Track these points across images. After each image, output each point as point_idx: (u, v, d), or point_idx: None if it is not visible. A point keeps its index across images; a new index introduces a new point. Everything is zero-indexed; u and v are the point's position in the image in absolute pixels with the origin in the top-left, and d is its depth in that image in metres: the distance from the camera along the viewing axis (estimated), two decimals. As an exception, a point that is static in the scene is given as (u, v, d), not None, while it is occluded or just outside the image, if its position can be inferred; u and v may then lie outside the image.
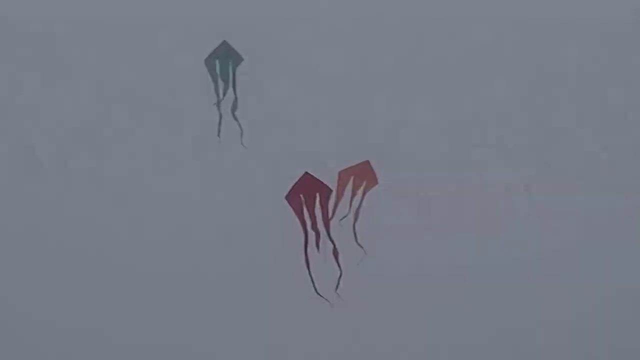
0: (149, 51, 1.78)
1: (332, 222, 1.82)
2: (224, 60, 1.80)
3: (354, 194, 1.83)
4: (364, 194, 1.83)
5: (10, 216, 1.76)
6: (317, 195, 1.82)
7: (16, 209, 1.77)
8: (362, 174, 1.83)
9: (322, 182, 1.81)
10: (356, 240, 1.80)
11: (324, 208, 1.81)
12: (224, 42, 1.80)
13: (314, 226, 1.81)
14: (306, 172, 1.81)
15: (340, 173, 1.83)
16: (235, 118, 1.80)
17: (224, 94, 1.80)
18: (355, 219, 1.82)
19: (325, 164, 1.81)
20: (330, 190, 1.81)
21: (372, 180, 1.84)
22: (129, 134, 1.79)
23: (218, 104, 1.80)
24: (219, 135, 1.80)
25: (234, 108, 1.80)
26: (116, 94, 1.77)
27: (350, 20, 1.80)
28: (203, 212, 1.80)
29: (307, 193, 1.81)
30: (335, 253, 1.81)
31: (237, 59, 1.80)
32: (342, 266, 1.81)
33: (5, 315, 1.77)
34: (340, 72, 1.81)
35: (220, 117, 1.80)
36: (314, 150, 1.82)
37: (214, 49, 1.80)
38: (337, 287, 1.81)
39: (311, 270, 1.80)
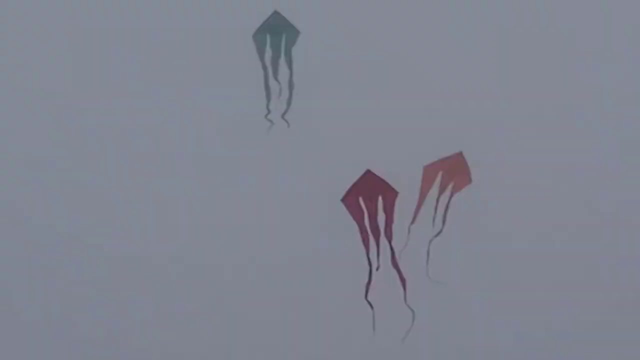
0: (181, 22, 1.52)
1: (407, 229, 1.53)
2: (275, 35, 1.53)
3: (440, 195, 1.54)
4: (451, 195, 1.54)
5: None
6: (380, 198, 1.53)
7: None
8: (453, 170, 1.54)
9: (386, 183, 1.52)
10: (427, 262, 1.52)
11: (388, 215, 1.52)
12: (276, 13, 1.52)
13: (376, 235, 1.52)
14: (368, 170, 1.52)
15: (425, 168, 1.54)
16: (284, 119, 1.53)
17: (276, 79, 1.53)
18: (439, 231, 1.53)
19: (394, 162, 1.53)
20: (396, 193, 1.52)
21: (464, 178, 1.54)
22: (164, 124, 1.54)
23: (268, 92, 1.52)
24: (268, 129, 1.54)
25: (289, 97, 1.53)
26: (147, 78, 1.53)
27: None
28: (248, 216, 1.56)
29: (368, 195, 1.52)
30: (402, 280, 1.54)
31: (293, 33, 1.53)
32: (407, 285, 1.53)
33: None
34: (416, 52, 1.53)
35: (268, 111, 1.53)
36: (381, 145, 1.54)
37: (263, 21, 1.52)
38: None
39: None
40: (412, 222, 1.54)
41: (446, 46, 1.54)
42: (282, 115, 1.53)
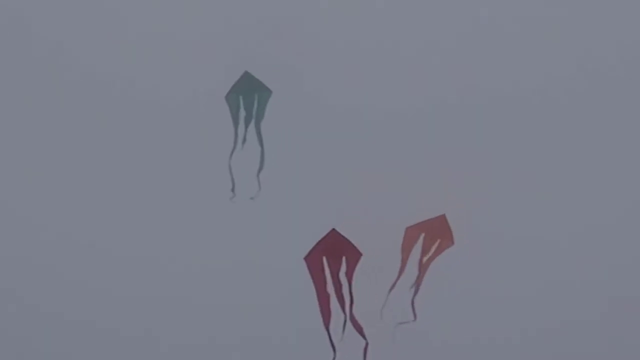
0: (153, 86, 1.56)
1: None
2: (247, 95, 1.56)
3: (422, 257, 1.54)
4: (431, 257, 1.54)
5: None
6: (343, 259, 1.53)
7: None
8: (435, 231, 1.54)
9: (350, 243, 1.52)
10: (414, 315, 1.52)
11: (349, 275, 1.52)
12: (246, 73, 1.55)
13: (339, 296, 1.53)
14: (333, 229, 1.52)
15: (407, 229, 1.54)
16: (258, 176, 1.55)
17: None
18: (416, 291, 1.53)
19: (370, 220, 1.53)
20: (360, 255, 1.52)
21: (447, 239, 1.54)
22: (136, 185, 1.57)
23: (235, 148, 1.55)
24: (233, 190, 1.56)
25: (262, 160, 1.55)
26: (118, 143, 1.56)
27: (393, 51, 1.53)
28: (210, 269, 1.57)
29: (331, 255, 1.53)
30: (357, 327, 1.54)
31: (265, 92, 1.55)
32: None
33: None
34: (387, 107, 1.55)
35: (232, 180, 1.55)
36: (352, 202, 1.54)
37: (235, 82, 1.55)
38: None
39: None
40: (392, 287, 1.54)
41: (429, 109, 1.55)
42: (257, 174, 1.56)
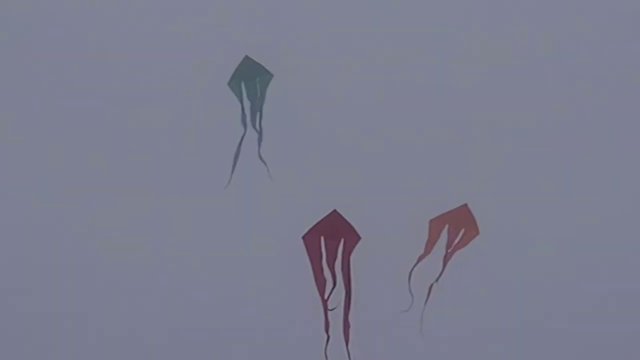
0: (156, 73, 1.58)
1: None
2: (249, 80, 1.57)
3: (448, 248, 1.56)
4: (455, 248, 1.56)
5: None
6: (342, 240, 1.54)
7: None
8: (459, 222, 1.55)
9: (350, 226, 1.53)
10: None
11: (345, 258, 1.53)
12: (246, 58, 1.57)
13: (333, 277, 1.54)
14: (334, 210, 1.53)
15: (431, 222, 1.55)
16: (261, 158, 1.57)
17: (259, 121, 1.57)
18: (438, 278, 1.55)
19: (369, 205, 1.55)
20: (359, 238, 1.53)
21: (472, 228, 1.55)
22: (139, 173, 1.60)
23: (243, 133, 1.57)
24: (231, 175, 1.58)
25: (259, 140, 1.57)
26: (123, 133, 1.59)
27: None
28: (212, 248, 1.59)
29: (330, 236, 1.54)
30: (346, 328, 1.55)
31: (266, 76, 1.57)
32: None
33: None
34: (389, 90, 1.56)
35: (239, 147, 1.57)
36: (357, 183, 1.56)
37: (236, 68, 1.57)
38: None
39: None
40: (410, 276, 1.55)
41: (443, 97, 1.56)
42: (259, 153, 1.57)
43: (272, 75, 1.57)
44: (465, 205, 1.54)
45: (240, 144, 1.57)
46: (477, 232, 1.54)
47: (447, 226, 1.55)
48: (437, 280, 1.55)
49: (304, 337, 1.58)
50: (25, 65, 1.57)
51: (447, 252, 1.55)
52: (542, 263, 1.57)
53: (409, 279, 1.55)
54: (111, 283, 1.59)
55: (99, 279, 1.60)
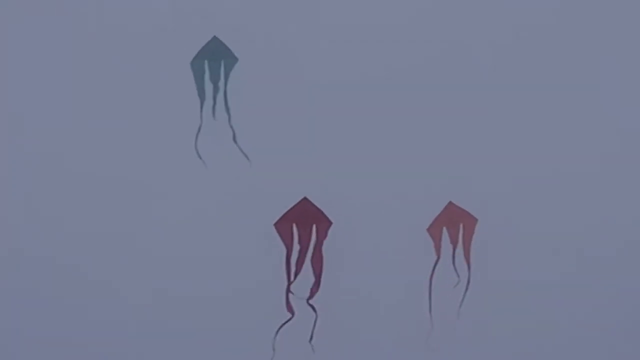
0: (121, 54, 1.49)
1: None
2: (213, 62, 1.52)
3: (455, 247, 1.58)
4: (467, 241, 1.58)
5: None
6: (313, 226, 1.55)
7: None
8: (454, 219, 1.57)
9: (321, 212, 1.54)
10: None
11: (318, 243, 1.55)
12: (214, 39, 1.51)
13: (299, 262, 1.56)
14: (304, 198, 1.54)
15: (429, 230, 1.57)
16: (233, 134, 1.53)
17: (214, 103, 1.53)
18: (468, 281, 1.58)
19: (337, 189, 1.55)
20: (330, 223, 1.55)
21: (469, 220, 1.58)
22: (107, 157, 1.52)
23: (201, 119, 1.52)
24: (197, 150, 1.53)
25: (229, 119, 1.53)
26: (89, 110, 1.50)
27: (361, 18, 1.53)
28: (184, 236, 1.55)
29: (301, 222, 1.54)
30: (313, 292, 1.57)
31: (231, 60, 1.52)
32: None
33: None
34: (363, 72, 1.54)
35: (199, 130, 1.52)
36: (324, 170, 1.55)
37: (202, 48, 1.51)
38: (310, 337, 1.57)
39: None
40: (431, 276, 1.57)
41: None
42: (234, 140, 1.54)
43: (237, 59, 1.53)
44: (450, 202, 1.57)
45: (199, 130, 1.52)
46: (476, 219, 1.58)
47: (444, 228, 1.58)
48: (468, 281, 1.60)
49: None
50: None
51: (462, 249, 1.59)
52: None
53: (430, 287, 1.59)
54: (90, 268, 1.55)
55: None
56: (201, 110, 1.52)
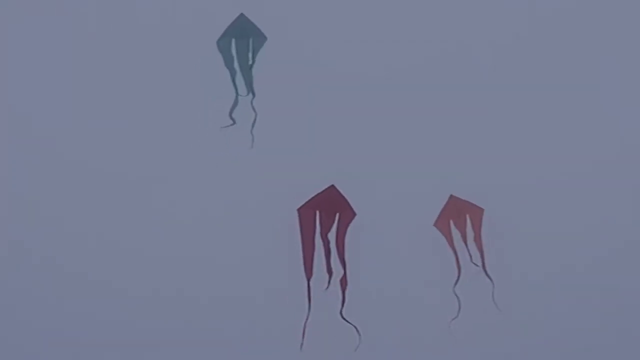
0: (143, 31, 1.46)
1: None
2: (241, 40, 1.47)
3: (465, 238, 1.50)
4: (478, 229, 1.50)
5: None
6: (337, 215, 1.46)
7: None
8: (459, 211, 1.50)
9: (346, 201, 1.46)
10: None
11: (340, 232, 1.45)
12: (242, 16, 1.46)
13: (326, 248, 1.46)
14: (332, 185, 1.45)
15: (436, 225, 1.49)
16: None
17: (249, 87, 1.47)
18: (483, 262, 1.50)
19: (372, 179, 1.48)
20: (354, 214, 1.46)
21: (475, 211, 1.50)
22: (128, 134, 1.48)
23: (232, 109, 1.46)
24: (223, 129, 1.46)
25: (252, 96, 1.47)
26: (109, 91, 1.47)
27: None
28: (206, 218, 1.48)
29: (325, 210, 1.45)
30: (343, 283, 1.46)
31: (260, 39, 1.47)
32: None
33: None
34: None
35: (233, 122, 1.47)
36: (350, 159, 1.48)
37: (228, 26, 1.46)
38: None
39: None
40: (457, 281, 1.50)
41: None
42: (251, 129, 1.47)
43: (266, 38, 1.47)
44: (452, 196, 1.50)
45: (232, 109, 1.47)
46: (482, 209, 1.50)
47: (451, 221, 1.50)
48: (483, 266, 1.50)
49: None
50: None
51: (473, 240, 1.51)
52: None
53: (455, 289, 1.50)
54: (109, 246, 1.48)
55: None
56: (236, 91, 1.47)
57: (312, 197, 1.45)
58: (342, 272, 1.46)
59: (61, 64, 1.47)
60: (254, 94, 1.47)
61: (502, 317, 1.51)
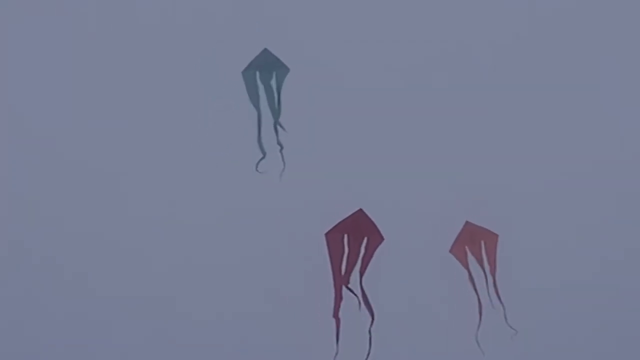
0: (174, 60, 1.50)
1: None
2: (265, 72, 1.50)
3: (481, 263, 1.50)
4: (492, 257, 1.50)
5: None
6: (365, 239, 1.46)
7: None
8: (475, 237, 1.50)
9: (374, 225, 1.46)
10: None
11: (367, 256, 1.46)
12: (265, 50, 1.50)
13: (346, 275, 1.46)
14: (360, 209, 1.47)
15: (451, 251, 1.49)
16: (279, 144, 1.49)
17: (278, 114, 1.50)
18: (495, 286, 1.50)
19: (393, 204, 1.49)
20: (382, 239, 1.46)
21: (490, 236, 1.50)
22: (153, 162, 1.50)
23: (259, 136, 1.49)
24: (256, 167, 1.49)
25: (277, 128, 1.49)
26: (137, 116, 1.50)
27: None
28: (234, 241, 1.49)
29: (353, 234, 1.46)
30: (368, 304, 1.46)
31: (283, 70, 1.50)
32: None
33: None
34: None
35: (263, 152, 1.49)
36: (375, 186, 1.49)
37: (253, 59, 1.50)
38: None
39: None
40: (480, 307, 1.49)
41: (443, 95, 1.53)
42: (280, 150, 1.50)
43: (288, 69, 1.51)
44: (467, 222, 1.50)
45: (259, 136, 1.49)
46: (496, 235, 1.50)
47: (466, 247, 1.50)
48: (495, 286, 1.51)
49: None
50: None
51: (489, 267, 1.51)
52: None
53: (476, 339, 1.49)
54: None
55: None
56: (259, 119, 1.50)
57: (340, 222, 1.46)
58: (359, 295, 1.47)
59: (61, 64, 1.49)
60: (280, 125, 1.50)
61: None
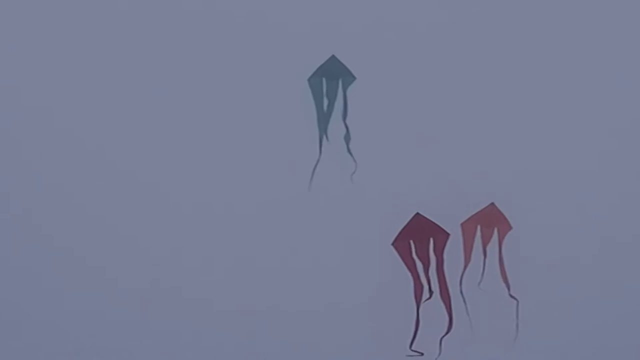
0: (239, 67, 1.55)
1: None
2: (331, 80, 1.56)
3: (485, 247, 1.57)
4: (500, 244, 1.57)
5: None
6: (431, 240, 1.55)
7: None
8: (490, 221, 1.57)
9: (436, 225, 1.55)
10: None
11: (439, 256, 1.55)
12: (332, 57, 1.56)
13: (426, 275, 1.55)
14: (417, 213, 1.55)
15: (462, 225, 1.56)
16: (349, 151, 1.56)
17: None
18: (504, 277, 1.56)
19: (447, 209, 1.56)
20: (448, 235, 1.55)
21: (504, 224, 1.56)
22: (214, 168, 1.56)
23: (322, 135, 1.55)
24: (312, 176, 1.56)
25: (347, 139, 1.56)
26: (199, 122, 1.56)
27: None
28: (299, 258, 1.57)
29: (418, 238, 1.55)
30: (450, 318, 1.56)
31: (349, 78, 1.56)
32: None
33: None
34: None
35: (320, 153, 1.56)
36: (432, 189, 1.56)
37: (320, 66, 1.56)
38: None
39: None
40: (460, 282, 1.57)
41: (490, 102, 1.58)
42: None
43: (354, 78, 1.56)
44: (493, 204, 1.56)
45: (320, 146, 1.56)
46: (510, 227, 1.56)
47: (479, 226, 1.57)
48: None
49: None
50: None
51: (485, 248, 1.57)
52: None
53: (460, 284, 1.57)
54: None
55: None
56: (320, 129, 1.56)
57: (402, 229, 1.55)
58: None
59: (73, 59, 1.53)
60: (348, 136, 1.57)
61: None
